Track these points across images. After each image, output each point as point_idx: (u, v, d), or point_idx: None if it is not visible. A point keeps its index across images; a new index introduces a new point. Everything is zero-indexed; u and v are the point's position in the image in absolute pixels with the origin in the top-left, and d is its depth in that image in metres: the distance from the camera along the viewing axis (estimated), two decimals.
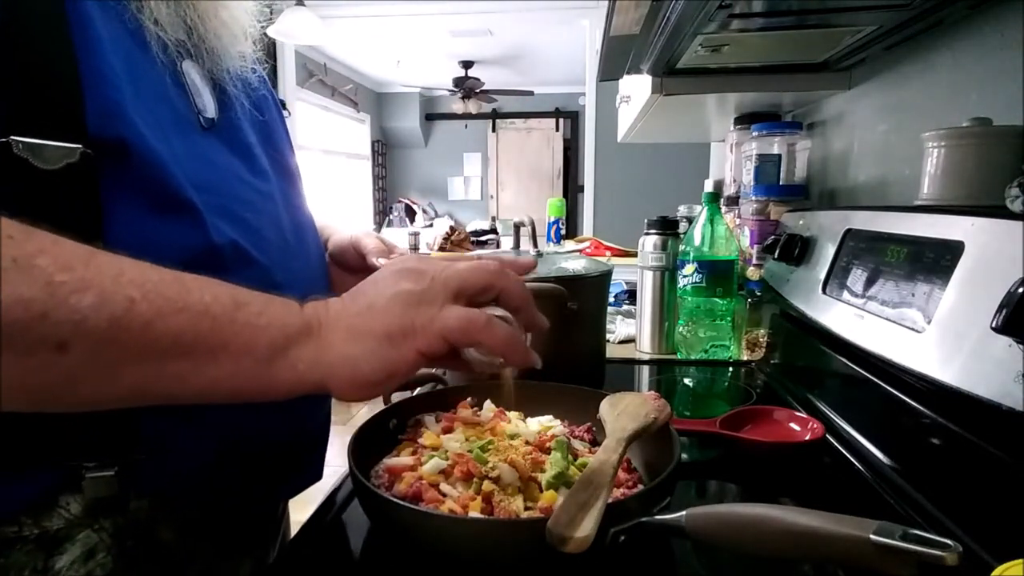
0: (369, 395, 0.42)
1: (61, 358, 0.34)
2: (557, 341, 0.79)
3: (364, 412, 3.86)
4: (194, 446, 0.49)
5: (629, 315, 1.44)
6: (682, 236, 1.14)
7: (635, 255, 1.29)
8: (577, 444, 0.59)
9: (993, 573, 0.31)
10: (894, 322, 0.62)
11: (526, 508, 0.48)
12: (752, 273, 1.19)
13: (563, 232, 2.69)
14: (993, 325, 0.44)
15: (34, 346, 0.33)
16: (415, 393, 0.73)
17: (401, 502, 0.46)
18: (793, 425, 0.73)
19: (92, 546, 0.45)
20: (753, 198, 1.21)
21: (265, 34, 0.64)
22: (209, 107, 0.53)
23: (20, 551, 0.43)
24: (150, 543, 0.48)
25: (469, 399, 0.65)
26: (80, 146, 0.40)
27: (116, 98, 0.42)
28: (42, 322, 0.33)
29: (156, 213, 0.44)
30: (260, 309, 0.40)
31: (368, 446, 0.56)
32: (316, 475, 0.62)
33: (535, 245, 0.83)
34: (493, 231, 5.33)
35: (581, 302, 0.76)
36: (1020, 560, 0.31)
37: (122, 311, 0.35)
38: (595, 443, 0.61)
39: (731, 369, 1.09)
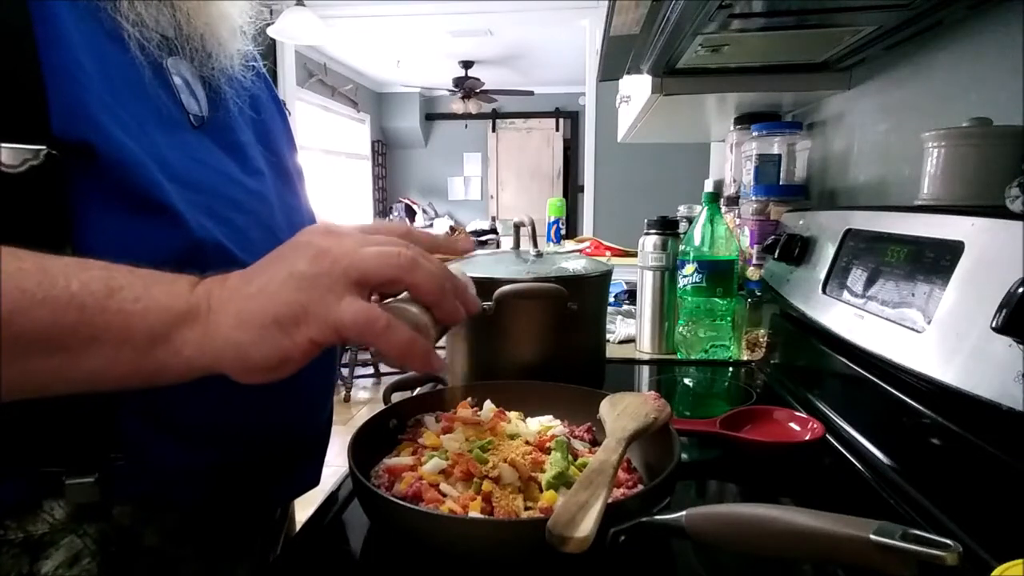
0: (266, 379, 0.39)
1: None
2: (557, 341, 0.79)
3: (364, 412, 3.86)
4: (176, 452, 0.48)
5: (629, 315, 1.44)
6: (682, 236, 1.14)
7: (635, 255, 1.29)
8: (577, 444, 0.59)
9: (993, 573, 0.31)
10: (894, 322, 0.62)
11: (526, 508, 0.48)
12: (752, 273, 1.19)
13: (563, 232, 2.69)
14: (993, 325, 0.44)
15: None
16: (415, 393, 0.73)
17: (401, 502, 0.46)
18: (793, 425, 0.73)
19: (77, 551, 0.45)
20: (753, 198, 1.21)
21: (265, 34, 0.64)
22: (198, 105, 0.52)
23: (5, 555, 0.43)
24: (135, 549, 0.48)
25: (469, 399, 0.65)
26: (44, 147, 0.39)
27: (83, 98, 0.41)
28: None
29: (131, 213, 0.43)
30: (137, 294, 0.37)
31: (368, 446, 0.56)
32: (313, 481, 0.61)
33: (535, 245, 0.83)
34: (493, 231, 5.33)
35: (581, 302, 0.76)
36: (1020, 560, 0.31)
37: None
38: (595, 443, 0.61)
39: (731, 369, 1.09)
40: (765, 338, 1.08)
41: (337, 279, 0.38)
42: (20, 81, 0.40)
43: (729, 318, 1.10)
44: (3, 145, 0.38)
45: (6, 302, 0.34)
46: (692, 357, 1.11)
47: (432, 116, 7.48)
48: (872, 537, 0.34)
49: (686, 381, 1.05)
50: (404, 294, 0.43)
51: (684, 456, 0.60)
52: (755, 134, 1.23)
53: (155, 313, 0.37)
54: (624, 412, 0.57)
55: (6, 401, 0.36)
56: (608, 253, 2.48)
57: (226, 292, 0.39)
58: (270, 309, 0.37)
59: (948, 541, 0.33)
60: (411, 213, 6.96)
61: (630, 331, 1.30)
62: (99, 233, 0.42)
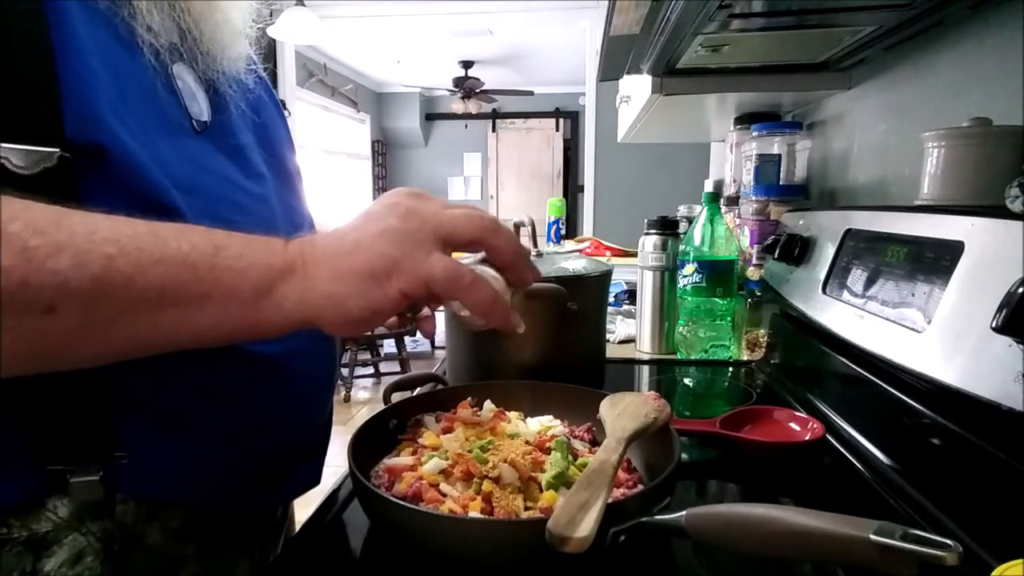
0: (357, 331, 0.42)
1: (52, 320, 0.35)
2: (557, 341, 0.79)
3: (364, 412, 3.86)
4: (179, 451, 0.48)
5: (629, 315, 1.44)
6: (682, 236, 1.14)
7: (635, 255, 1.29)
8: (577, 444, 0.59)
9: (993, 573, 0.31)
10: (894, 322, 0.62)
11: (526, 508, 0.48)
12: (752, 273, 1.19)
13: (563, 232, 2.68)
14: (993, 325, 0.44)
15: (23, 312, 0.34)
16: (415, 393, 0.73)
17: (401, 502, 0.46)
18: (793, 425, 0.73)
19: (80, 549, 0.45)
20: (753, 198, 1.21)
21: (265, 34, 0.64)
22: (202, 110, 0.53)
23: (9, 553, 0.44)
24: (138, 546, 0.48)
25: (469, 399, 0.65)
26: (57, 150, 0.40)
27: (96, 102, 0.42)
28: (25, 289, 0.33)
29: (139, 217, 0.43)
30: (240, 251, 0.40)
31: (368, 446, 0.56)
32: (313, 481, 0.62)
33: (535, 245, 0.83)
34: None
35: (581, 302, 0.76)
36: (1020, 560, 0.31)
37: (101, 269, 0.35)
38: (595, 443, 0.61)
39: (731, 369, 1.09)
40: (765, 338, 1.08)
41: (427, 235, 0.41)
42: (36, 86, 0.40)
43: (729, 318, 1.10)
44: (18, 147, 0.39)
45: (130, 261, 0.36)
46: (692, 357, 1.11)
47: (432, 116, 7.48)
48: (872, 537, 0.34)
49: (686, 381, 1.05)
50: (476, 255, 0.46)
51: (684, 456, 0.60)
52: (755, 134, 1.23)
53: (258, 269, 0.40)
54: (624, 412, 0.57)
55: (124, 359, 0.39)
56: (608, 253, 2.48)
57: (318, 250, 0.41)
58: (365, 262, 0.40)
59: (948, 541, 0.33)
60: None
61: (630, 331, 1.30)
62: None
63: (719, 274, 1.07)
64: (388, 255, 0.40)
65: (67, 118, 0.41)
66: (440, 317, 0.75)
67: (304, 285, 0.40)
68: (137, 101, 0.47)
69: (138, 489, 0.47)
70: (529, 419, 0.64)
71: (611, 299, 1.58)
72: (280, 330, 0.41)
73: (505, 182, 7.51)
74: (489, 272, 0.45)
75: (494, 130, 7.43)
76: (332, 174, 6.05)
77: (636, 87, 1.50)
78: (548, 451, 0.55)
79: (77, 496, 0.45)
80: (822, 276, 0.82)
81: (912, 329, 0.58)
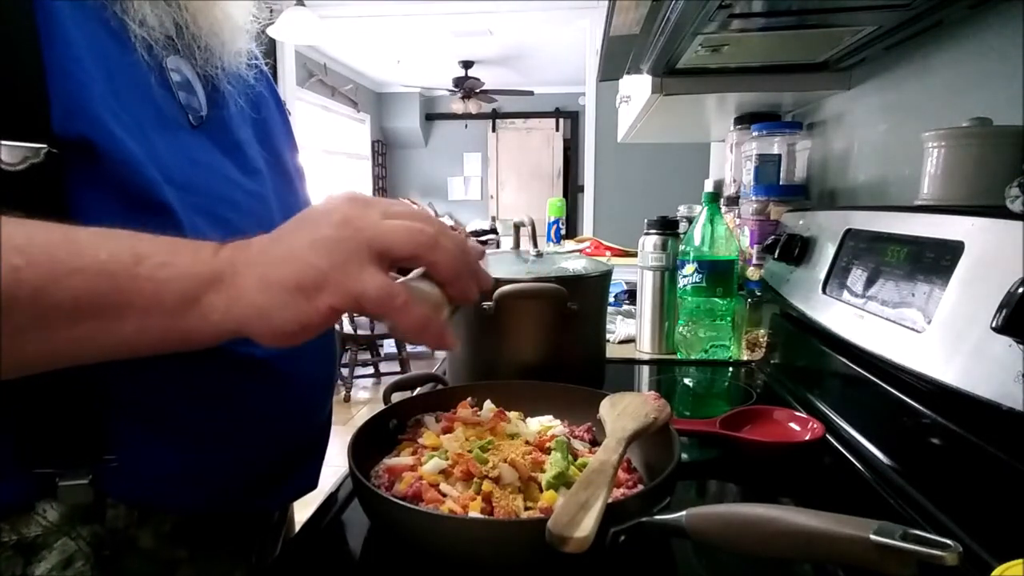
0: (288, 344, 0.39)
1: None
2: (557, 341, 0.79)
3: (364, 412, 3.86)
4: (170, 454, 0.48)
5: (629, 315, 1.44)
6: (682, 236, 1.14)
7: (635, 255, 1.29)
8: (577, 444, 0.59)
9: (993, 573, 0.31)
10: (894, 322, 0.62)
11: (526, 508, 0.48)
12: (752, 273, 1.19)
13: (563, 232, 2.69)
14: (993, 325, 0.44)
15: None
16: (415, 393, 0.73)
17: (401, 502, 0.46)
18: (793, 425, 0.73)
19: (70, 554, 0.45)
20: (753, 198, 1.21)
21: (265, 34, 0.64)
22: (200, 105, 0.52)
23: None
24: (130, 551, 0.48)
25: (469, 399, 0.65)
26: (44, 146, 0.39)
27: (84, 97, 0.41)
28: None
29: (128, 213, 0.43)
30: (164, 259, 0.38)
31: (368, 446, 0.56)
32: (310, 484, 0.61)
33: (535, 245, 0.83)
34: (493, 231, 5.33)
35: (581, 302, 0.76)
36: (1020, 560, 0.31)
37: (6, 281, 0.33)
38: (595, 443, 0.61)
39: (731, 369, 1.09)
40: (765, 338, 1.08)
41: (361, 247, 0.39)
42: (22, 79, 0.40)
43: (729, 318, 1.10)
44: (4, 143, 0.38)
45: (39, 273, 0.34)
46: (692, 357, 1.11)
47: (432, 116, 7.48)
48: (872, 537, 0.34)
49: (686, 381, 1.05)
50: (417, 270, 0.44)
51: (684, 456, 0.60)
52: (755, 134, 1.23)
53: (183, 278, 0.38)
54: (624, 412, 0.57)
55: (43, 371, 0.38)
56: (608, 253, 2.48)
57: (250, 256, 0.39)
58: (292, 273, 0.38)
59: (948, 541, 0.33)
60: None
61: (630, 331, 1.30)
62: None
63: (719, 274, 1.07)
64: (317, 267, 0.38)
65: (54, 112, 0.40)
66: None
67: (231, 295, 0.38)
68: (130, 95, 0.46)
69: (128, 493, 0.47)
70: (529, 419, 0.64)
71: (611, 299, 1.58)
72: (210, 340, 0.39)
73: (505, 182, 7.51)
74: (426, 289, 0.43)
75: (494, 130, 7.43)
76: (332, 174, 6.05)
77: (636, 87, 1.50)
78: (548, 451, 0.55)
79: (66, 500, 0.44)
80: (822, 276, 0.82)
81: (912, 329, 0.58)
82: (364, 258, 0.38)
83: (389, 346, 4.69)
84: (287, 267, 0.38)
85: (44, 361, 0.37)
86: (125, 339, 0.38)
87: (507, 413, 0.62)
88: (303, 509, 0.63)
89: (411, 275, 0.44)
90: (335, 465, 0.60)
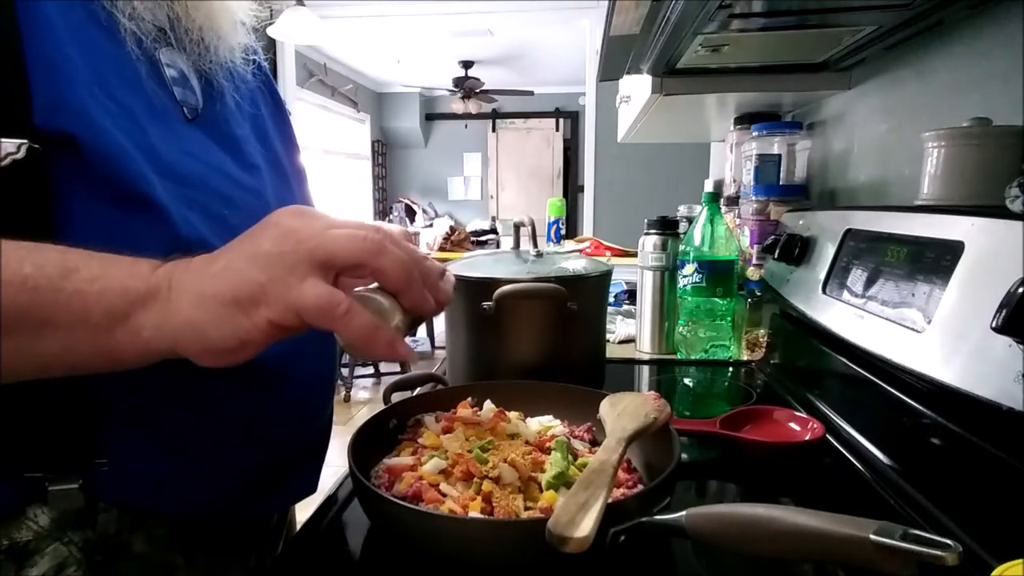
0: (225, 363, 0.38)
1: None
2: (557, 341, 0.79)
3: (364, 412, 3.86)
4: (163, 458, 0.47)
5: (629, 315, 1.44)
6: (682, 236, 1.14)
7: (635, 255, 1.29)
8: (577, 444, 0.59)
9: (993, 573, 0.31)
10: (894, 322, 0.62)
11: (526, 508, 0.48)
12: (752, 273, 1.19)
13: (563, 232, 2.69)
14: (993, 325, 0.44)
15: None
16: (415, 393, 0.73)
17: (401, 502, 0.46)
18: (793, 425, 0.72)
19: (62, 559, 0.44)
20: (753, 198, 1.21)
21: (265, 34, 0.63)
22: (194, 99, 0.52)
23: None
24: (124, 556, 0.47)
25: (469, 399, 0.65)
26: (25, 141, 0.39)
27: (68, 90, 0.41)
28: None
29: (117, 207, 0.42)
30: (95, 273, 0.36)
31: (368, 446, 0.56)
32: (310, 488, 0.61)
33: (535, 245, 0.83)
34: (493, 231, 5.33)
35: (581, 302, 0.76)
36: (1020, 560, 0.31)
37: None
38: (595, 443, 0.61)
39: (731, 369, 1.09)
40: (765, 338, 1.08)
41: (301, 259, 0.37)
42: (2, 73, 0.39)
43: (729, 318, 1.10)
44: None
45: None
46: (692, 357, 1.11)
47: (432, 116, 7.48)
48: (872, 537, 0.34)
49: (686, 381, 1.05)
50: (374, 284, 0.42)
51: (684, 456, 0.60)
52: (755, 134, 1.23)
53: (112, 294, 0.36)
54: (624, 412, 0.57)
55: None
56: (608, 253, 2.48)
57: (188, 273, 0.38)
58: (229, 288, 0.37)
59: (948, 541, 0.33)
60: (411, 213, 6.95)
61: (630, 331, 1.30)
62: (84, 227, 0.41)
63: (719, 274, 1.07)
64: (254, 280, 0.36)
65: (36, 105, 0.39)
66: (439, 318, 0.75)
67: (164, 312, 0.37)
68: (120, 87, 0.45)
69: (121, 497, 0.46)
70: (529, 419, 0.64)
71: (611, 299, 1.58)
72: (140, 359, 0.38)
73: (505, 182, 7.51)
74: (377, 299, 0.41)
75: (494, 130, 7.43)
76: (332, 174, 6.05)
77: (636, 87, 1.50)
78: (548, 451, 0.55)
79: (57, 505, 0.44)
80: (822, 276, 0.82)
81: (912, 329, 0.58)
82: (305, 269, 0.37)
83: None
84: (223, 281, 0.37)
85: None
86: (48, 356, 0.36)
87: (507, 413, 0.62)
88: (303, 509, 0.63)
89: (367, 287, 0.43)
90: (335, 465, 0.60)
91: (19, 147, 0.39)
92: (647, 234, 1.18)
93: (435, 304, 0.44)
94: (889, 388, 0.63)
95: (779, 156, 1.21)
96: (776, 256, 0.94)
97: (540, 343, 0.79)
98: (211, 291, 0.37)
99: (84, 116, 0.41)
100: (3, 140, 0.38)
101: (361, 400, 4.21)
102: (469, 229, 5.11)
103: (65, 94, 0.41)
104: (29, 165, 0.39)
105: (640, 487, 0.53)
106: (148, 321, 0.37)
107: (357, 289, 0.42)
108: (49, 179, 0.40)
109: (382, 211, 7.15)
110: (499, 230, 5.32)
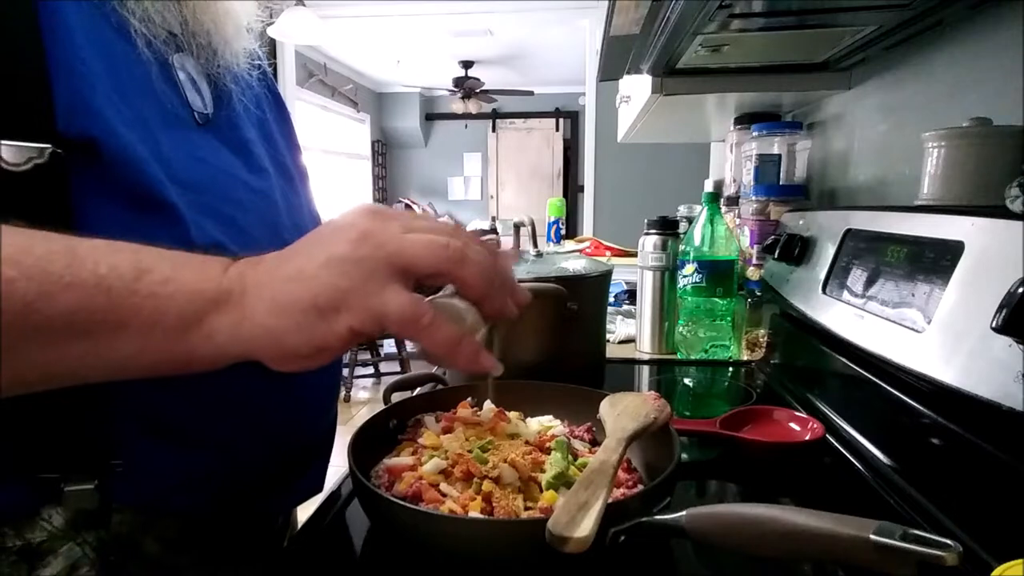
0: (302, 368, 0.37)
1: None
2: (557, 341, 0.79)
3: (364, 412, 3.86)
4: (176, 459, 0.47)
5: (629, 315, 1.44)
6: (682, 236, 1.14)
7: (635, 255, 1.29)
8: (577, 444, 0.59)
9: (993, 573, 0.31)
10: (894, 322, 0.62)
11: (526, 508, 0.48)
12: (752, 273, 1.19)
13: (563, 232, 2.69)
14: (993, 325, 0.44)
15: None
16: (415, 393, 0.73)
17: (401, 502, 0.46)
18: (793, 425, 0.73)
19: (75, 559, 0.45)
20: (753, 198, 1.21)
21: (265, 34, 0.64)
22: (205, 102, 0.52)
23: (3, 562, 0.43)
24: (135, 557, 0.47)
25: (469, 399, 0.65)
26: (49, 146, 0.39)
27: (88, 95, 0.41)
28: None
29: (132, 212, 0.42)
30: (168, 275, 0.35)
31: (368, 446, 0.56)
32: (316, 488, 0.61)
33: (535, 245, 0.83)
34: (493, 231, 5.33)
35: (581, 302, 0.76)
36: (1020, 560, 0.31)
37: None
38: (595, 443, 0.61)
39: (731, 369, 1.09)
40: (765, 338, 1.08)
41: (381, 264, 0.36)
42: (26, 78, 0.39)
43: (729, 318, 1.10)
44: (7, 143, 0.38)
45: (32, 286, 0.32)
46: (692, 357, 1.11)
47: (432, 116, 7.48)
48: (872, 537, 0.34)
49: (686, 381, 1.05)
50: (449, 287, 0.41)
51: (684, 456, 0.60)
52: (755, 134, 1.23)
53: (185, 296, 0.35)
54: (624, 412, 0.57)
55: (37, 390, 0.36)
56: (608, 253, 2.48)
57: (260, 275, 0.37)
58: (308, 294, 0.35)
59: (948, 541, 0.33)
60: None
61: (630, 331, 1.30)
62: (101, 230, 0.40)
63: (719, 274, 1.07)
64: (335, 286, 0.35)
65: (59, 110, 0.39)
66: None
67: (238, 316, 0.36)
68: (135, 92, 0.45)
69: (134, 498, 0.46)
70: (529, 419, 0.64)
71: (611, 299, 1.58)
72: (213, 363, 0.37)
73: (505, 182, 7.51)
74: (458, 307, 0.40)
75: (494, 130, 7.43)
76: (332, 174, 6.05)
77: (636, 87, 1.50)
78: (548, 451, 0.55)
79: (71, 505, 0.44)
80: (822, 276, 0.82)
81: (912, 329, 0.58)
82: (385, 275, 0.36)
83: (389, 346, 4.69)
84: (301, 286, 0.36)
85: (39, 380, 0.35)
86: (121, 359, 0.35)
87: (507, 413, 0.62)
88: (304, 509, 0.63)
89: (441, 292, 0.42)
90: (335, 465, 0.60)
91: (43, 152, 0.38)
92: (647, 234, 1.18)
93: (515, 308, 0.42)
94: (889, 388, 0.63)
95: (779, 156, 1.21)
96: (776, 256, 0.94)
97: (540, 343, 0.79)
98: (289, 298, 0.36)
99: (104, 120, 0.41)
100: (27, 144, 0.38)
101: (361, 400, 4.21)
102: (469, 229, 5.11)
103: (87, 99, 0.41)
104: (50, 169, 0.39)
105: (640, 487, 0.53)
106: (222, 326, 0.36)
107: (436, 298, 0.41)
108: (68, 183, 0.40)
109: None
110: (499, 230, 5.32)
